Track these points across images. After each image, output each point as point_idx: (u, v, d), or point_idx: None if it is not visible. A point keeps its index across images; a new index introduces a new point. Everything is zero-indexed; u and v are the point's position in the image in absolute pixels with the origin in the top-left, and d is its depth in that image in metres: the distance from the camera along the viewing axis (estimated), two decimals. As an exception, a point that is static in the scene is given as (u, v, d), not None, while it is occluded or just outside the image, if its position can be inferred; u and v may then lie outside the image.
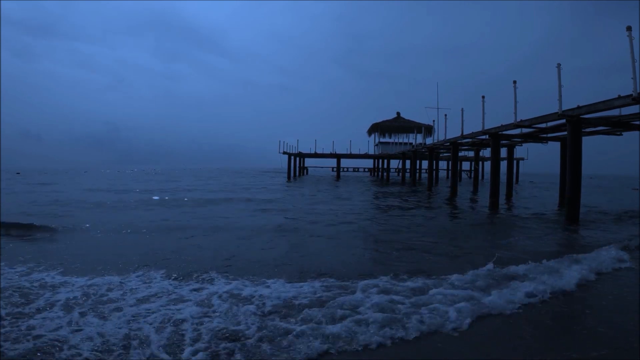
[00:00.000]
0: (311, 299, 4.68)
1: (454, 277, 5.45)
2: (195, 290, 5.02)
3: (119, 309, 4.30)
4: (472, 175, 36.68)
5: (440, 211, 15.63)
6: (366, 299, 4.60)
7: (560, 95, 10.69)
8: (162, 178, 45.72)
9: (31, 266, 6.07)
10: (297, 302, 4.56)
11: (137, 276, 5.58)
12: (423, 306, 4.39)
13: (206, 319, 4.05)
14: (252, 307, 4.38)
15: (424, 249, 7.95)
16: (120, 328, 3.79)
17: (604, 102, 9.64)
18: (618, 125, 12.77)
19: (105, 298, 4.69)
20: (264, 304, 4.51)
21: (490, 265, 5.98)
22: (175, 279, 5.53)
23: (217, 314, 4.21)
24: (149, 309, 4.30)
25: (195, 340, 3.59)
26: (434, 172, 30.65)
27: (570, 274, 5.67)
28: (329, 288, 5.08)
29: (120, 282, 5.30)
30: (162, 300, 4.63)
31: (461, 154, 33.76)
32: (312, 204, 16.71)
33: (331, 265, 6.46)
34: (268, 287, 5.14)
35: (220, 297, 4.72)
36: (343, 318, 4.04)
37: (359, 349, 3.53)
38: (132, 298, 4.66)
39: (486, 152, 31.74)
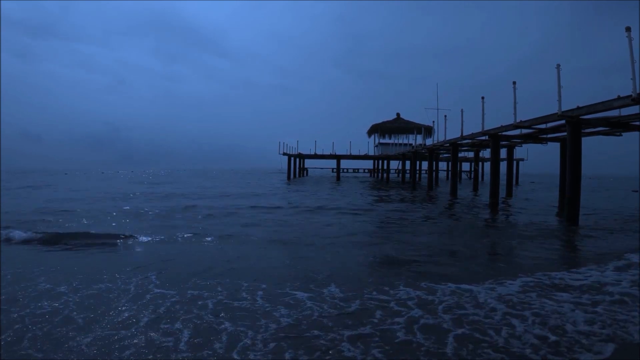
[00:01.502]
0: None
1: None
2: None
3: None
4: (472, 176, 36.66)
5: (441, 220, 15.59)
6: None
7: (559, 96, 10.68)
8: (162, 180, 45.69)
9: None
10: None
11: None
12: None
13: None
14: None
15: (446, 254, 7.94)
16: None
17: (603, 102, 9.63)
18: (618, 126, 12.75)
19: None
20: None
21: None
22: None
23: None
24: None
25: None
26: (434, 173, 30.62)
27: None
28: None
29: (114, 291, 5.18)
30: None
31: (461, 154, 33.77)
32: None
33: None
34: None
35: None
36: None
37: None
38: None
39: (486, 153, 31.78)
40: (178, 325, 4.07)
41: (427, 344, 3.69)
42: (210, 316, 4.30)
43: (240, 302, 4.75)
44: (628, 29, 8.51)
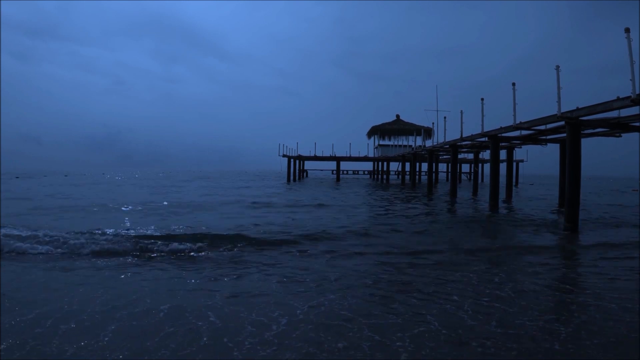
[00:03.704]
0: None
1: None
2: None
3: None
4: (472, 178, 36.65)
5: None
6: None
7: (559, 97, 10.66)
8: (169, 183, 45.50)
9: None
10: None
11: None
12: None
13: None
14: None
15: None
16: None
17: (602, 104, 9.61)
18: (617, 127, 12.74)
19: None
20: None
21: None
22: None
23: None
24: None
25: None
26: (434, 174, 30.61)
27: None
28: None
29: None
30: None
31: (461, 156, 33.78)
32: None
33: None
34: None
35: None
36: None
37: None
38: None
39: (486, 154, 31.82)
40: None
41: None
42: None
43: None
44: (627, 30, 8.50)
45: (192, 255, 7.56)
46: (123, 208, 15.74)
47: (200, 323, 4.14)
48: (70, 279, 5.88)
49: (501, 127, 14.80)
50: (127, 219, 12.53)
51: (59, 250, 7.63)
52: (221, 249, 7.96)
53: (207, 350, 3.54)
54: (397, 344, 3.70)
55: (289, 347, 3.62)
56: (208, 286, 5.51)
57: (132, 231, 9.55)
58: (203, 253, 7.67)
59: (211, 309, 4.57)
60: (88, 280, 5.74)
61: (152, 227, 10.41)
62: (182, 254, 7.57)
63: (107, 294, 5.06)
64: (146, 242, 8.08)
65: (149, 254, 7.53)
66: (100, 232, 8.96)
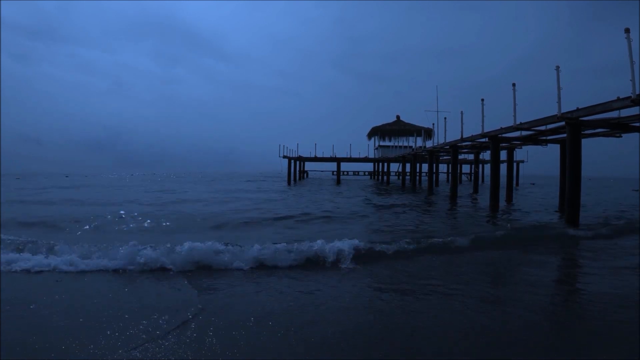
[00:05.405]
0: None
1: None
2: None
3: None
4: (472, 178, 36.64)
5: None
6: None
7: (559, 98, 10.68)
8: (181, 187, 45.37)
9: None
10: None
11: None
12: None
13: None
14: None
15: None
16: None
17: (602, 104, 9.63)
18: (617, 127, 12.75)
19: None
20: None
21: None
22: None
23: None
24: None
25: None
26: (434, 175, 30.62)
27: None
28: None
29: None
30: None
31: (461, 157, 33.80)
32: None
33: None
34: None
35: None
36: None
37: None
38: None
39: (486, 155, 31.81)
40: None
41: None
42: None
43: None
44: (627, 31, 8.52)
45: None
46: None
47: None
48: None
49: (501, 128, 14.81)
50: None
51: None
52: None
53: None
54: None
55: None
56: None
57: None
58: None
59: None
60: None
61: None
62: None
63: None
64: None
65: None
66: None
